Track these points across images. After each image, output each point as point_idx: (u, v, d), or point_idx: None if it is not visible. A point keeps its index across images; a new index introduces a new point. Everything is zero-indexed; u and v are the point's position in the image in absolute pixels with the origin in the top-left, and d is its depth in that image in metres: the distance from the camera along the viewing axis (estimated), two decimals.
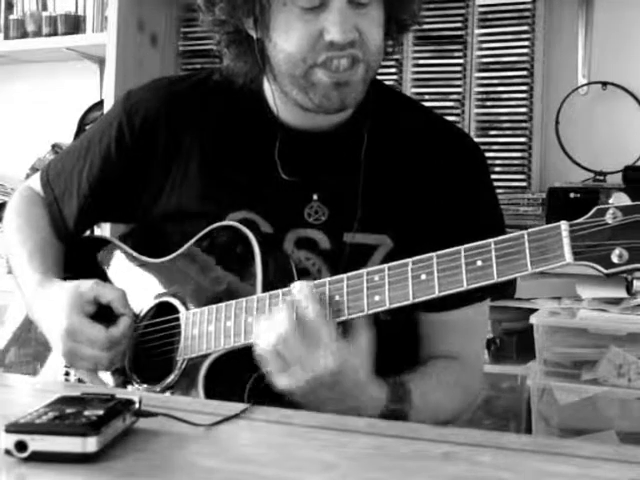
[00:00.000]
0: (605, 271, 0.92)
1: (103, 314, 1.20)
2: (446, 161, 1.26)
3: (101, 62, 2.79)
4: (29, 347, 1.35)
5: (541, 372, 1.94)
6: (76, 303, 1.18)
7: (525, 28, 2.32)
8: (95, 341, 1.16)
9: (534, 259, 0.94)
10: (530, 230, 0.95)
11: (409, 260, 1.01)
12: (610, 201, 0.92)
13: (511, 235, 0.96)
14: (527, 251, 0.94)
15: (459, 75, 2.40)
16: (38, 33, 2.80)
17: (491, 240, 0.96)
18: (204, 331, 1.15)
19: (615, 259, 0.91)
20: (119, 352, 1.19)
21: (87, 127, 2.66)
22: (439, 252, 0.99)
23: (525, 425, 2.03)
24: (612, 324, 1.88)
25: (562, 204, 2.13)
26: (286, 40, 1.13)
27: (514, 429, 2.06)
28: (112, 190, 1.35)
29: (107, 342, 1.17)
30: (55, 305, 1.20)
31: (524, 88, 2.34)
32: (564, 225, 0.93)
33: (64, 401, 0.89)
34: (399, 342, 1.25)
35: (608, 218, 0.92)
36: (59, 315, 1.18)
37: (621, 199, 0.92)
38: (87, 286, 1.20)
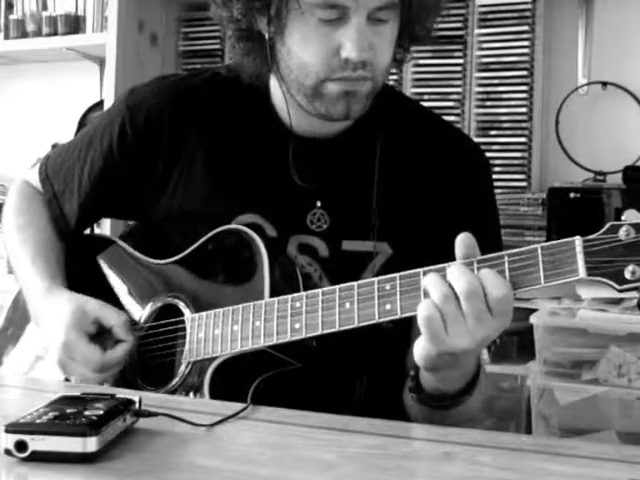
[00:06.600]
0: (618, 287, 0.92)
1: (104, 335, 1.20)
2: (453, 173, 1.25)
3: (101, 62, 2.78)
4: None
5: (541, 372, 1.94)
6: (78, 320, 1.18)
7: (525, 28, 2.32)
8: (89, 362, 1.16)
9: (547, 273, 0.93)
10: (544, 244, 0.95)
11: (420, 270, 1.00)
12: (623, 218, 0.92)
13: (525, 248, 0.95)
14: (540, 265, 0.94)
15: (459, 75, 2.40)
16: (38, 33, 2.80)
17: (504, 253, 0.96)
18: (210, 335, 1.15)
19: (628, 275, 0.91)
20: (110, 375, 1.18)
21: None
22: (452, 263, 0.97)
23: (525, 425, 2.03)
24: (612, 324, 1.88)
25: (562, 204, 2.13)
26: (302, 49, 1.13)
27: (514, 429, 2.06)
28: (114, 188, 1.33)
29: (100, 365, 1.16)
30: (58, 317, 1.19)
31: (524, 88, 2.33)
32: (578, 240, 0.93)
33: (64, 401, 0.90)
34: (400, 350, 1.25)
35: (622, 235, 0.91)
36: (59, 328, 1.18)
37: (634, 216, 0.92)
38: (92, 306, 1.20)
